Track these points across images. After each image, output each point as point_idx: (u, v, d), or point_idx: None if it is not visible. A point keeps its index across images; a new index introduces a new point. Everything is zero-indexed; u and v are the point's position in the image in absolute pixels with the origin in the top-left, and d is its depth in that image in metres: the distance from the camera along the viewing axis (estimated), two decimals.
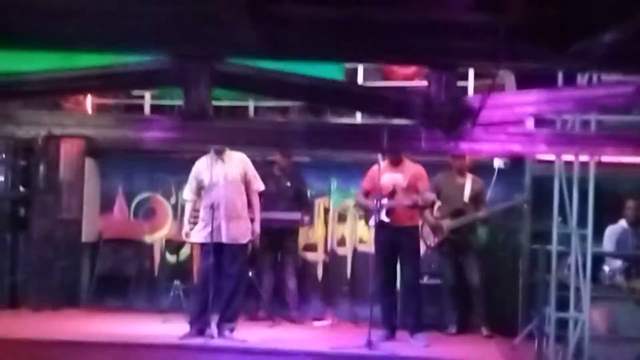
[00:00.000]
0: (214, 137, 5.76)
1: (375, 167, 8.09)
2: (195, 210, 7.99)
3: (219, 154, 7.74)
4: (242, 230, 7.78)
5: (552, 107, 5.56)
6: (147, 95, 9.65)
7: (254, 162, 8.68)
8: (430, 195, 8.09)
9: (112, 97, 9.83)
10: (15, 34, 4.61)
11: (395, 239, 7.94)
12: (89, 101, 9.53)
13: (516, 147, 5.38)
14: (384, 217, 7.82)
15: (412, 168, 8.08)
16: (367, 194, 8.16)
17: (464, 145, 5.24)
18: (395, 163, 8.04)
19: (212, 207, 7.64)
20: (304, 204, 9.27)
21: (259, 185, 7.97)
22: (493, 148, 5.40)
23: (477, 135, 5.15)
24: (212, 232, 7.57)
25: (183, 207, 9.60)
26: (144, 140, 6.03)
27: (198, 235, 7.90)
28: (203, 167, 7.83)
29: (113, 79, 5.32)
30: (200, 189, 7.88)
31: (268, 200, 8.95)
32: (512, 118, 5.14)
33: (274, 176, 9.18)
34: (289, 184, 9.21)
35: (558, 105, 5.52)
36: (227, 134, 5.78)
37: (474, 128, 5.08)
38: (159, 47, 4.92)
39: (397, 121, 6.10)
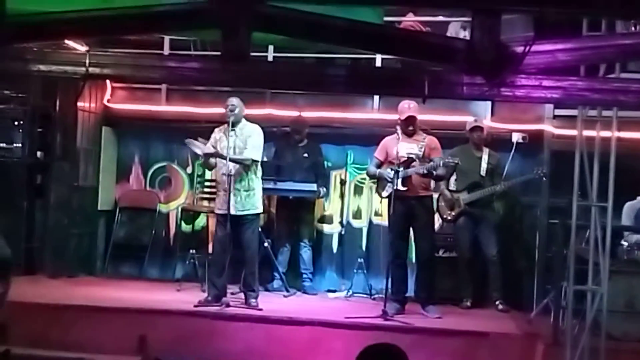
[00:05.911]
0: (253, 79, 5.68)
1: (388, 138, 8.05)
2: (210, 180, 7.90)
3: (233, 125, 7.73)
4: (252, 201, 7.81)
5: (597, 55, 5.39)
6: None
7: (272, 133, 8.73)
8: (452, 159, 7.91)
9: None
10: None
11: (409, 210, 7.89)
12: None
13: (558, 95, 5.24)
14: (399, 186, 7.74)
15: (426, 139, 8.02)
16: (379, 166, 8.11)
17: (506, 92, 5.13)
18: (410, 134, 7.99)
19: (223, 179, 7.76)
20: (320, 176, 9.15)
21: (253, 154, 7.81)
22: (535, 95, 5.25)
23: (519, 82, 5.05)
24: (227, 202, 7.63)
25: (199, 177, 9.68)
26: (184, 80, 5.95)
27: (213, 205, 7.93)
28: (218, 137, 7.89)
29: (152, 21, 5.24)
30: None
31: (285, 171, 8.92)
32: (557, 65, 5.02)
33: (291, 147, 9.13)
34: (306, 155, 9.11)
35: (602, 53, 5.35)
36: (267, 76, 5.69)
37: (517, 75, 4.97)
38: None
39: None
